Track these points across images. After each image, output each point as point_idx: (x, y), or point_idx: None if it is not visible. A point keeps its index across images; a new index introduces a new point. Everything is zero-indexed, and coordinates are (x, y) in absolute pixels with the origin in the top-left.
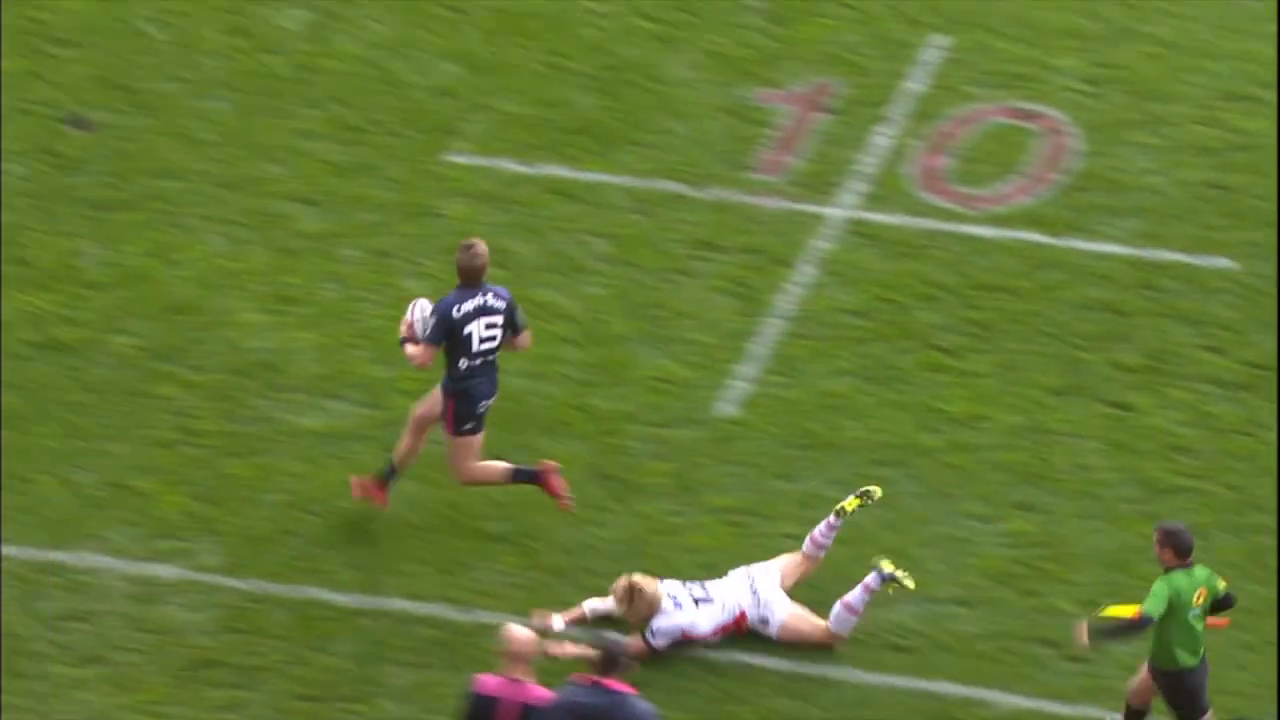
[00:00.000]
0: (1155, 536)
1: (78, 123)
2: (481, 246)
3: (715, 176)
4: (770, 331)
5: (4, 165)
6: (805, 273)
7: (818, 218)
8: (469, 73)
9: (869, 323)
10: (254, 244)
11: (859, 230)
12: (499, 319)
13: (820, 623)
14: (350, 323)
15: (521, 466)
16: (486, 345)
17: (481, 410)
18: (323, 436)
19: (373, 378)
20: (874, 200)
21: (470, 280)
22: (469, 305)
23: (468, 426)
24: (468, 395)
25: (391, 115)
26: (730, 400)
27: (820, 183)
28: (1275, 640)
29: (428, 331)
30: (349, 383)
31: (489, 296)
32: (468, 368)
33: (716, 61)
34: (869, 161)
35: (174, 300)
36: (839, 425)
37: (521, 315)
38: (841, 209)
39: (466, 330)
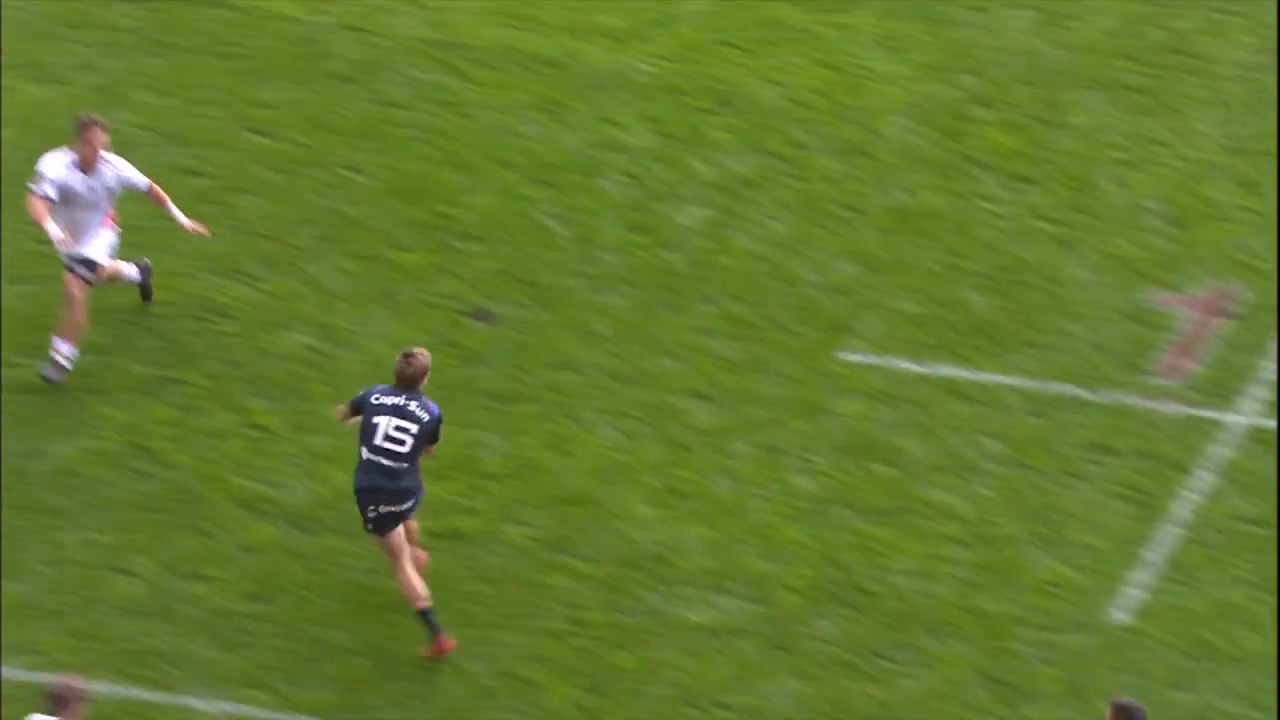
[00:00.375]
0: (1108, 713)
1: (481, 315)
2: (421, 357)
3: (1112, 380)
4: (1166, 538)
5: None
6: (1203, 479)
7: (1217, 424)
8: (865, 271)
9: (1269, 532)
10: (647, 437)
11: (1260, 438)
12: (414, 427)
13: None
14: (740, 518)
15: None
16: (389, 445)
17: (370, 512)
18: (710, 631)
19: (761, 574)
20: (1277, 407)
21: (400, 384)
22: (387, 400)
23: (366, 526)
24: (358, 487)
25: (786, 312)
26: (1123, 607)
27: (1221, 388)
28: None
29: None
30: (737, 578)
31: (412, 403)
32: (365, 459)
33: (1114, 263)
34: (1271, 368)
35: (567, 491)
36: (1236, 636)
37: (441, 432)
38: (1243, 415)
39: (374, 420)
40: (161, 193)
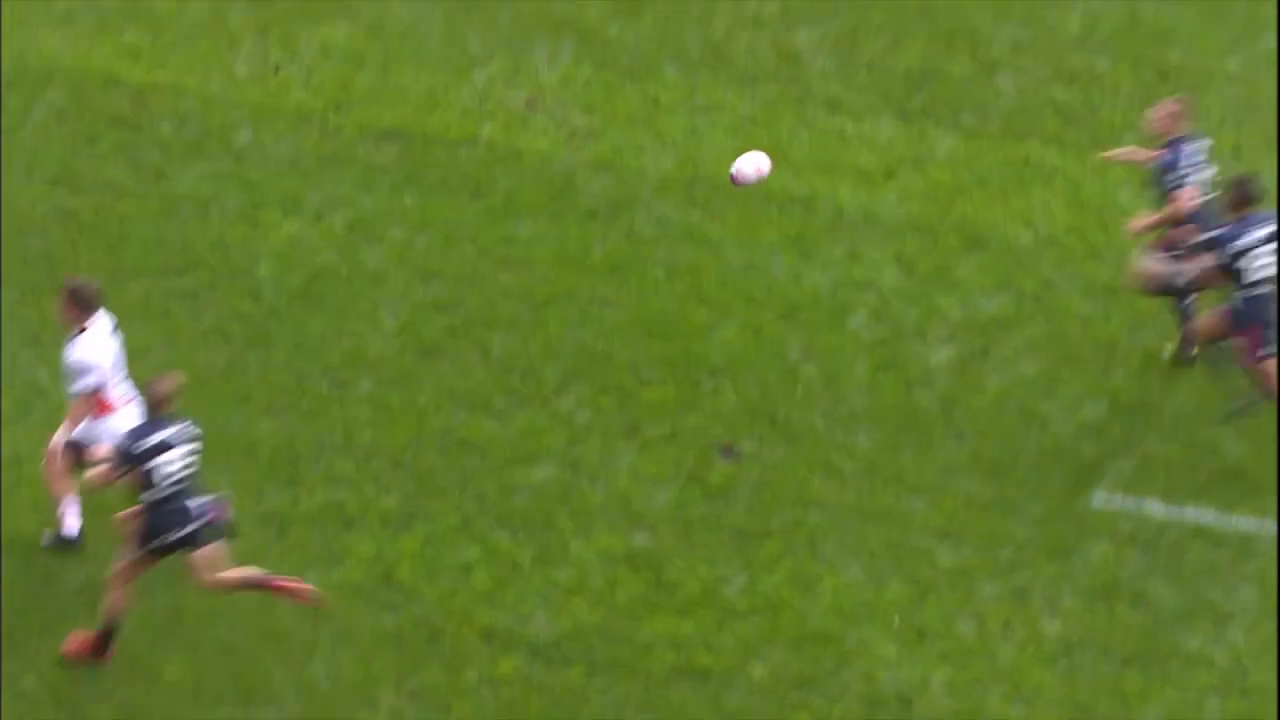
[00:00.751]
0: None
1: (726, 452)
2: (169, 378)
3: None
4: None
5: (659, 498)
6: None
7: None
8: (1116, 413)
9: None
10: (891, 576)
11: None
12: (194, 445)
13: None
14: (986, 660)
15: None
16: (187, 473)
17: (207, 521)
18: None
19: (1008, 717)
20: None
21: (157, 411)
22: (158, 436)
23: (152, 545)
24: (151, 525)
25: (1035, 453)
26: None
27: None
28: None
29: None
30: None
31: (180, 425)
32: (169, 498)
33: None
34: None
35: (811, 630)
36: None
37: None
38: None
39: (156, 462)
40: (86, 407)
